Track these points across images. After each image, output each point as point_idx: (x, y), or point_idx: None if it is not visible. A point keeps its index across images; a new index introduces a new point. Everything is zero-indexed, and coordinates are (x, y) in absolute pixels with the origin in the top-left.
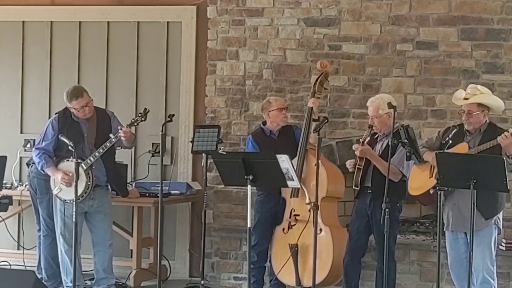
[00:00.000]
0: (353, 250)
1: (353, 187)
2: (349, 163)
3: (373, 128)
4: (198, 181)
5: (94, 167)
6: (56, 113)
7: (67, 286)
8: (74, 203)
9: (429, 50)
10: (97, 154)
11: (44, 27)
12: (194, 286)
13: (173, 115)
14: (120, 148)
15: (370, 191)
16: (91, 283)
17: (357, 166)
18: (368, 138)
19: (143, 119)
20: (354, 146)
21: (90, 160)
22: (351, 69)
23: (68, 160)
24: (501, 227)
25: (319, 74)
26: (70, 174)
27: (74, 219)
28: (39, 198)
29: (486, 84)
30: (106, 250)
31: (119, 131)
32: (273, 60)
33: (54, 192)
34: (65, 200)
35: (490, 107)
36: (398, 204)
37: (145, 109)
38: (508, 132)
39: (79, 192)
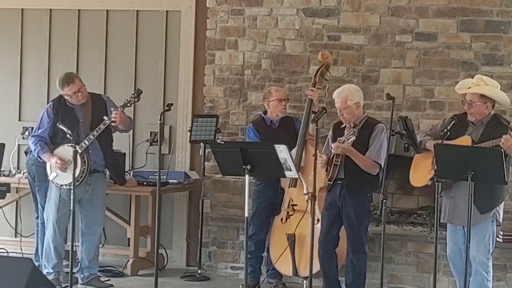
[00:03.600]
0: (326, 243)
1: (327, 181)
2: (320, 161)
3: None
4: (196, 171)
5: (90, 151)
6: (51, 101)
7: (47, 272)
8: (72, 191)
9: (428, 41)
10: (91, 136)
11: (43, 14)
12: (191, 275)
13: (172, 104)
14: (119, 130)
15: (340, 182)
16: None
17: (334, 162)
18: (353, 138)
19: (136, 99)
20: (334, 145)
21: (84, 143)
22: (350, 60)
23: (63, 145)
24: (500, 220)
25: (320, 65)
26: (66, 160)
27: (72, 207)
28: (38, 186)
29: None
30: (94, 240)
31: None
32: (272, 50)
33: (50, 177)
34: (61, 186)
35: (495, 100)
36: (368, 195)
37: (138, 89)
38: (508, 135)
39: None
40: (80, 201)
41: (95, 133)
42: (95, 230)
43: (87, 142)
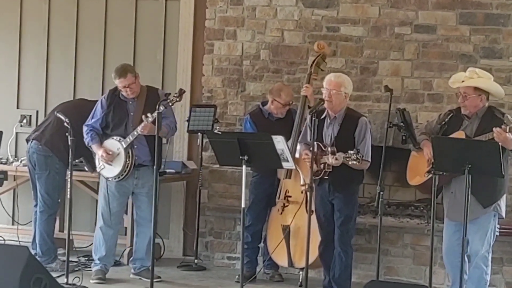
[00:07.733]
0: (326, 236)
1: (315, 177)
2: (305, 154)
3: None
4: (193, 160)
5: (135, 146)
6: (108, 91)
7: (94, 263)
8: (69, 180)
9: (427, 33)
10: (135, 133)
11: (42, 2)
12: (188, 265)
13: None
14: None
15: (327, 177)
16: (81, 260)
17: (325, 169)
18: (354, 160)
19: (178, 99)
20: (333, 161)
21: (129, 138)
22: (349, 51)
23: (112, 138)
24: (503, 214)
25: (316, 55)
26: (110, 153)
27: (69, 195)
28: (38, 174)
29: (484, 69)
30: (148, 232)
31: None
32: (271, 40)
33: (98, 169)
34: (107, 178)
35: (489, 92)
36: (356, 187)
37: (181, 89)
38: (501, 128)
39: (118, 171)
40: (133, 193)
41: (135, 133)
42: (148, 221)
43: (131, 138)
